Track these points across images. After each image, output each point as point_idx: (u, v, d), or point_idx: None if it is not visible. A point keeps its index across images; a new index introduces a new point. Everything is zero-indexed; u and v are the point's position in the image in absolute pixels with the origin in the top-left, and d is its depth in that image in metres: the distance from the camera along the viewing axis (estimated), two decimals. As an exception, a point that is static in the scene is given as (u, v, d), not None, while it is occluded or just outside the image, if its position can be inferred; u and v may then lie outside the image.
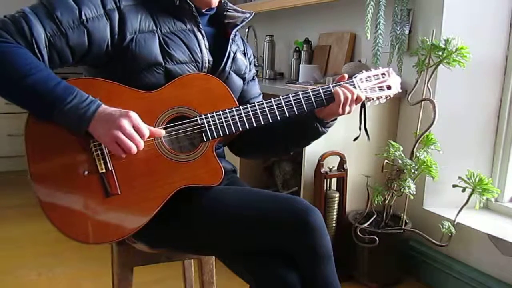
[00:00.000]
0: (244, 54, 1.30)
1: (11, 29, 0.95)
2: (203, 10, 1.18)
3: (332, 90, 1.15)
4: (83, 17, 1.01)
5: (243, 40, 1.34)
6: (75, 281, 2.00)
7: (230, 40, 1.21)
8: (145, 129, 1.00)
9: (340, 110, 1.14)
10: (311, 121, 1.18)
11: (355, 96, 1.15)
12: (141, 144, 1.00)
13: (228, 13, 1.25)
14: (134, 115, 0.99)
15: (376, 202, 1.91)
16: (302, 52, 2.78)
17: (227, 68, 1.20)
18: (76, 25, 1.00)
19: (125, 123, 0.97)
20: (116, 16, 1.05)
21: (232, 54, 1.21)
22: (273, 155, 1.41)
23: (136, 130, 0.98)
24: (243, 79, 1.27)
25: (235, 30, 1.22)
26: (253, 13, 1.27)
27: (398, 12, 2.01)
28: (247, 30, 3.27)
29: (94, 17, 1.02)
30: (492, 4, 1.96)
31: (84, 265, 2.11)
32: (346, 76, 1.20)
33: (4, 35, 0.94)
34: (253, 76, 1.35)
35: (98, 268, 2.03)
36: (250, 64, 1.33)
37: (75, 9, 1.01)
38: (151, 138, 1.04)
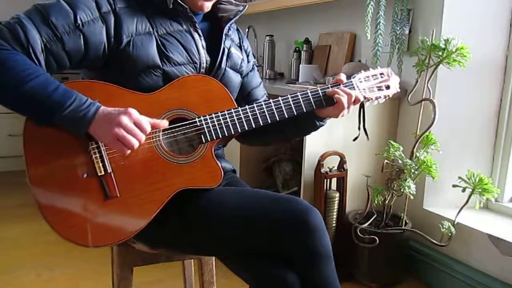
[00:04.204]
0: (240, 47, 1.29)
1: (7, 36, 0.94)
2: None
3: (334, 97, 1.15)
4: (79, 21, 1.00)
5: (239, 31, 1.32)
6: (75, 281, 2.00)
7: (224, 36, 1.20)
8: (146, 123, 0.99)
9: (339, 114, 1.16)
10: (309, 118, 1.19)
11: (353, 99, 1.15)
12: (143, 138, 0.99)
13: (222, 5, 1.23)
14: (133, 111, 0.98)
15: (376, 202, 1.91)
16: (302, 52, 2.77)
17: (223, 65, 1.19)
18: (72, 29, 1.00)
19: (125, 119, 0.96)
20: (112, 19, 1.04)
21: (226, 50, 1.21)
22: (274, 143, 1.43)
23: (137, 125, 0.98)
24: (240, 73, 1.27)
25: (228, 24, 1.21)
26: (246, 6, 1.25)
27: (398, 12, 2.01)
28: (247, 30, 3.27)
29: (89, 21, 1.02)
30: (492, 4, 1.96)
31: (84, 265, 2.11)
32: (344, 79, 1.19)
33: (1, 42, 0.94)
34: (252, 66, 1.34)
35: (98, 268, 2.04)
36: (248, 56, 1.32)
37: (70, 14, 1.00)
38: (151, 141, 1.04)
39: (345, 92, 1.15)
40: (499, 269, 1.78)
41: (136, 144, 0.97)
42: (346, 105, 1.14)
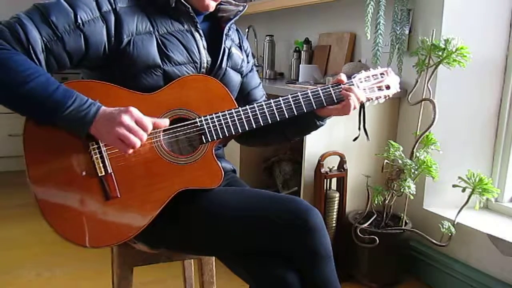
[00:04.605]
0: (240, 47, 1.29)
1: (7, 36, 0.94)
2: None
3: (344, 100, 1.16)
4: (79, 21, 1.00)
5: (238, 32, 1.32)
6: (75, 281, 2.00)
7: (224, 36, 1.20)
8: (148, 121, 0.99)
9: (343, 115, 1.17)
10: (309, 118, 1.19)
11: (358, 103, 1.17)
12: (145, 137, 0.98)
13: (222, 5, 1.23)
14: (134, 110, 0.98)
15: (376, 202, 1.91)
16: (302, 52, 2.77)
17: (224, 65, 1.19)
18: (72, 29, 0.99)
19: (126, 118, 0.96)
20: (112, 19, 1.04)
21: (227, 50, 1.21)
22: (274, 144, 1.43)
23: (138, 124, 0.98)
24: (241, 73, 1.27)
25: (228, 24, 1.21)
26: (246, 6, 1.25)
27: (398, 12, 2.01)
28: (247, 30, 3.27)
29: (90, 20, 1.01)
30: (492, 4, 1.96)
31: (84, 265, 2.11)
32: (344, 79, 1.19)
33: (1, 42, 0.93)
34: (252, 67, 1.35)
35: (98, 268, 2.03)
36: (247, 56, 1.32)
37: (70, 13, 0.99)
38: (152, 141, 1.04)
39: (354, 93, 1.16)
40: (499, 269, 1.78)
41: (138, 143, 0.97)
42: (353, 106, 1.15)
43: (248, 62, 1.32)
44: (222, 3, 1.23)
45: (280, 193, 1.56)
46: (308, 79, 2.48)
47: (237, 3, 1.25)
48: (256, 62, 3.22)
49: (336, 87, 1.17)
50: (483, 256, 1.83)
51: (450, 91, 1.99)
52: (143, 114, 0.99)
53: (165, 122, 1.04)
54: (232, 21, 1.22)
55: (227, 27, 1.21)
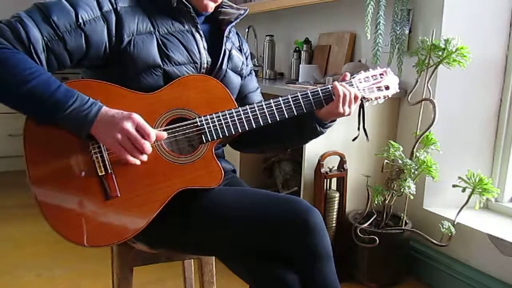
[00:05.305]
0: (240, 50, 1.30)
1: (8, 35, 0.94)
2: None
3: (331, 86, 1.15)
4: (80, 20, 1.00)
5: (238, 35, 1.33)
6: (75, 281, 2.00)
7: (225, 38, 1.20)
8: (151, 130, 0.99)
9: (340, 108, 1.14)
10: (310, 121, 1.18)
11: (353, 95, 1.16)
12: (146, 146, 0.98)
13: (223, 9, 1.24)
14: (137, 117, 0.98)
15: (376, 202, 1.91)
16: (302, 52, 2.77)
17: (224, 67, 1.19)
18: (73, 28, 0.99)
19: (128, 125, 0.96)
20: (113, 18, 1.04)
21: (227, 52, 1.21)
22: (271, 151, 1.42)
23: (140, 131, 0.98)
24: (241, 75, 1.27)
25: (229, 27, 1.22)
26: (248, 10, 1.26)
27: (398, 12, 2.01)
28: (247, 30, 3.27)
29: (91, 20, 1.01)
30: (492, 4, 1.96)
31: (84, 265, 2.11)
32: (349, 75, 1.20)
33: (2, 41, 0.93)
34: (250, 71, 1.35)
35: (98, 268, 2.04)
36: (246, 59, 1.32)
37: (71, 12, 1.00)
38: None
39: (345, 86, 1.16)
40: (499, 269, 1.78)
41: (136, 150, 0.97)
42: (342, 93, 1.13)
43: (247, 66, 1.32)
44: (223, 6, 1.24)
45: (280, 193, 1.56)
46: (308, 79, 2.48)
47: (238, 7, 1.25)
48: (256, 62, 3.22)
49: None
50: (483, 256, 1.84)
51: (450, 91, 1.99)
52: (145, 122, 0.99)
53: (163, 135, 1.04)
54: (233, 23, 1.22)
55: (227, 30, 1.21)
